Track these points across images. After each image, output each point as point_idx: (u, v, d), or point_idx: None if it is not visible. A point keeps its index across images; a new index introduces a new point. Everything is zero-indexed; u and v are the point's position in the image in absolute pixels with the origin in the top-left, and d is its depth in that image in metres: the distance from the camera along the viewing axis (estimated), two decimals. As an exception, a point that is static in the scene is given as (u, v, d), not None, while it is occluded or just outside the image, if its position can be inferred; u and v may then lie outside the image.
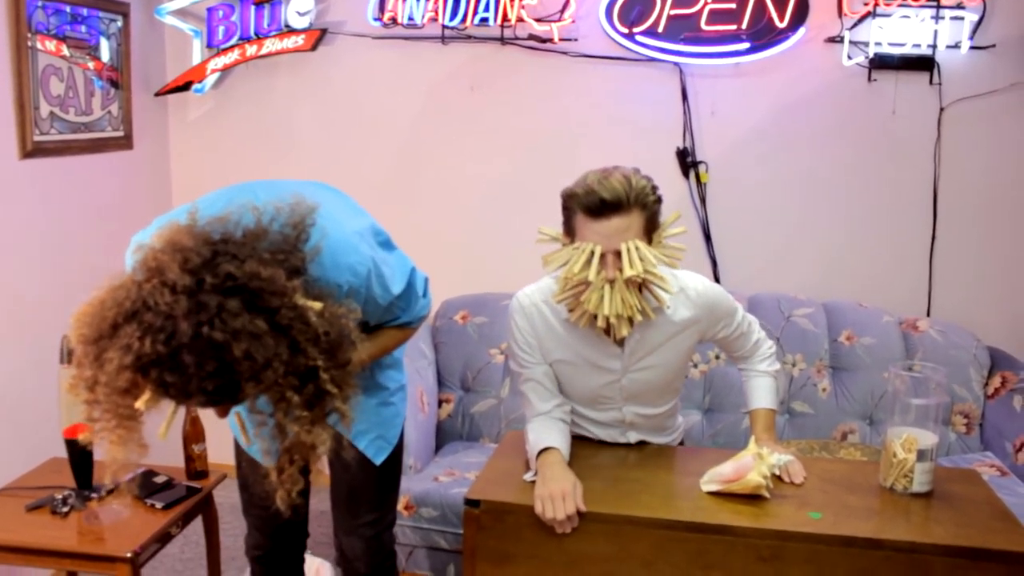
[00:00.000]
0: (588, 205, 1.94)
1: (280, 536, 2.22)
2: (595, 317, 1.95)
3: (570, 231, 2.01)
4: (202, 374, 1.37)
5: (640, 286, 1.96)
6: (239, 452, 2.16)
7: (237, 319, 1.37)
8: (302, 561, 2.31)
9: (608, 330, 2.03)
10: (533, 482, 1.97)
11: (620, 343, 2.09)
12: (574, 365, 2.14)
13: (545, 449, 2.03)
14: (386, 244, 1.90)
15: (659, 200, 2.00)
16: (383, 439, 2.10)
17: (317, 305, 1.46)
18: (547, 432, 2.08)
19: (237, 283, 1.39)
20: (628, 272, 1.90)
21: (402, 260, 1.93)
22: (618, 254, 1.91)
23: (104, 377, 1.40)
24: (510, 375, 3.26)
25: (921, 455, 1.92)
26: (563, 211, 2.05)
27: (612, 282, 1.91)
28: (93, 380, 1.44)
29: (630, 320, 1.95)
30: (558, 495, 1.86)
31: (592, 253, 1.91)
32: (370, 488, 2.13)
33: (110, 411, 1.45)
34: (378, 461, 2.09)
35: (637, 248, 1.92)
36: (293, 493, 1.55)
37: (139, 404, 1.44)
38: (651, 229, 1.99)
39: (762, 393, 2.28)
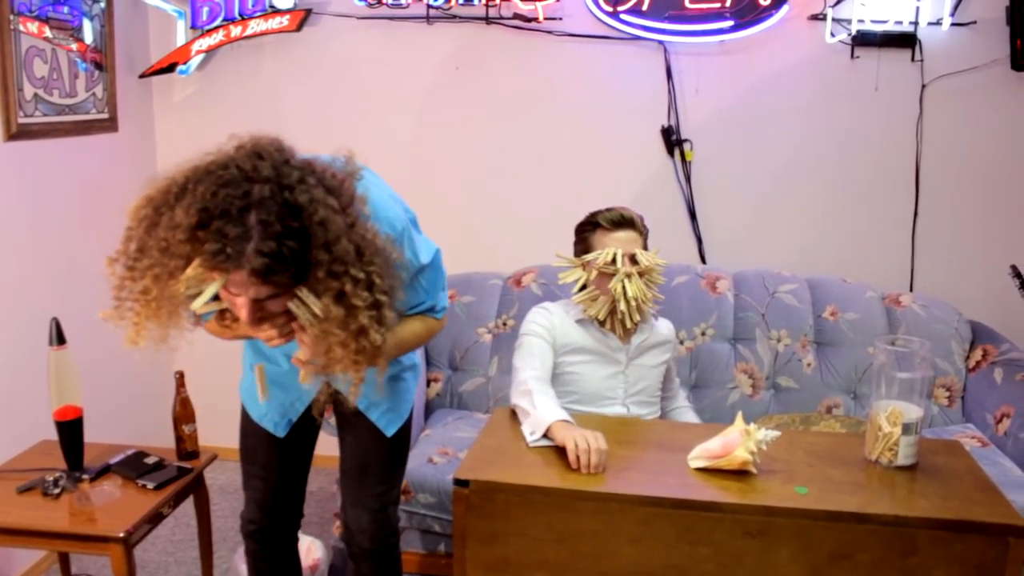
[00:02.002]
0: (612, 219, 2.53)
1: (276, 512, 2.24)
2: (611, 311, 2.49)
3: (586, 250, 2.55)
4: (267, 233, 1.36)
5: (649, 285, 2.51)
6: (246, 423, 2.17)
7: (316, 190, 1.41)
8: (296, 540, 2.33)
9: (613, 327, 2.53)
10: (536, 445, 2.15)
11: (625, 340, 2.57)
12: (585, 352, 2.55)
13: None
14: (414, 221, 1.93)
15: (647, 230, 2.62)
16: (394, 412, 2.12)
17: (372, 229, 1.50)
18: (555, 406, 2.26)
19: (315, 172, 1.45)
20: (645, 263, 2.49)
21: (426, 240, 1.96)
22: (632, 258, 2.48)
23: (163, 232, 1.40)
24: (497, 354, 3.28)
25: (906, 428, 1.95)
26: (580, 234, 2.61)
27: (629, 276, 2.46)
28: (141, 248, 1.44)
29: (639, 310, 2.49)
30: (594, 445, 2.02)
31: (615, 253, 2.47)
32: (380, 460, 2.15)
33: (155, 281, 1.44)
34: (389, 433, 2.11)
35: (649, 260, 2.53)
36: (357, 378, 1.56)
37: (182, 278, 1.42)
38: (644, 249, 2.57)
39: (694, 418, 2.80)
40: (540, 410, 2.21)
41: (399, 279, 1.58)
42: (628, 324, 2.51)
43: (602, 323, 2.55)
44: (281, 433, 2.13)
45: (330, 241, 1.41)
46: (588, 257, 2.52)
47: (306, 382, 1.65)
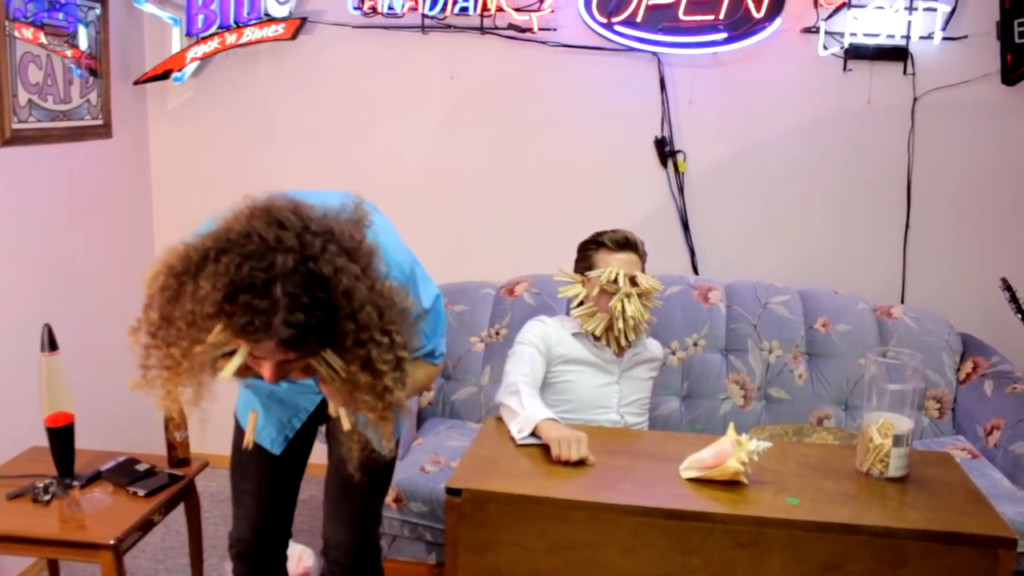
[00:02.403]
0: (616, 240, 2.67)
1: (266, 530, 2.23)
2: (608, 328, 2.61)
3: (588, 267, 2.68)
4: (295, 305, 1.38)
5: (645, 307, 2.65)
6: (239, 439, 2.16)
7: (339, 259, 1.41)
8: (285, 558, 2.31)
9: (608, 342, 2.66)
10: (524, 443, 2.26)
11: (619, 354, 2.69)
12: (580, 363, 2.67)
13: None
14: (416, 261, 1.94)
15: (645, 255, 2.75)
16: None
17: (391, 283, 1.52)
18: (542, 406, 2.36)
19: (335, 237, 1.45)
20: (645, 285, 2.62)
21: (428, 281, 1.96)
22: (633, 279, 2.60)
23: (188, 305, 1.41)
24: (490, 363, 3.28)
25: (897, 440, 1.96)
26: (583, 251, 2.74)
27: (629, 296, 2.58)
28: (166, 316, 1.44)
29: (635, 330, 2.62)
30: (574, 438, 2.15)
31: (618, 273, 2.59)
32: (365, 477, 2.14)
33: (180, 352, 1.44)
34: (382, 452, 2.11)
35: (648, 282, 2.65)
36: (388, 431, 1.58)
37: (207, 344, 1.44)
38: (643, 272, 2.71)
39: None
40: (528, 409, 2.29)
41: (413, 329, 1.60)
42: (623, 342, 2.65)
43: (597, 338, 2.66)
44: (277, 450, 2.13)
45: (355, 310, 1.43)
46: (591, 274, 2.65)
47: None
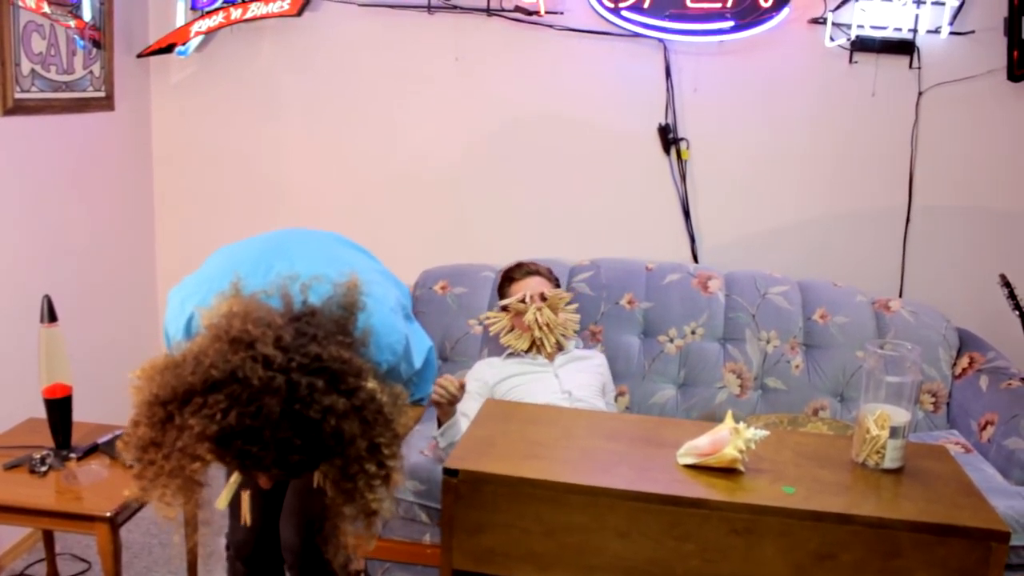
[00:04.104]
0: (518, 271, 3.14)
1: (263, 531, 2.24)
2: (531, 342, 3.01)
3: (504, 296, 3.11)
4: (286, 448, 1.40)
5: (556, 313, 3.04)
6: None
7: (326, 398, 1.42)
8: (282, 560, 2.31)
9: (539, 349, 3.02)
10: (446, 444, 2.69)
11: (550, 359, 3.03)
12: (518, 376, 2.97)
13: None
14: (408, 317, 1.94)
15: (555, 278, 3.19)
16: None
17: (379, 387, 1.53)
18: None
19: (322, 364, 1.45)
20: (551, 295, 3.05)
21: (420, 335, 1.97)
22: (542, 295, 3.04)
23: (178, 441, 1.42)
24: (487, 346, 3.29)
25: (894, 432, 1.96)
26: (499, 290, 3.18)
27: (540, 309, 3.00)
28: (155, 440, 1.46)
29: (554, 339, 3.00)
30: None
31: (525, 295, 3.03)
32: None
33: (171, 472, 1.46)
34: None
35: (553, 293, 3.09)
36: (359, 553, 1.62)
37: (198, 468, 1.47)
38: (556, 286, 3.16)
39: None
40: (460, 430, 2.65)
41: (404, 422, 1.62)
42: (548, 348, 3.00)
43: (527, 351, 3.03)
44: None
45: (344, 446, 1.46)
46: (504, 302, 3.08)
47: None
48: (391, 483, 1.57)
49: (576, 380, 2.98)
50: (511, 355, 3.07)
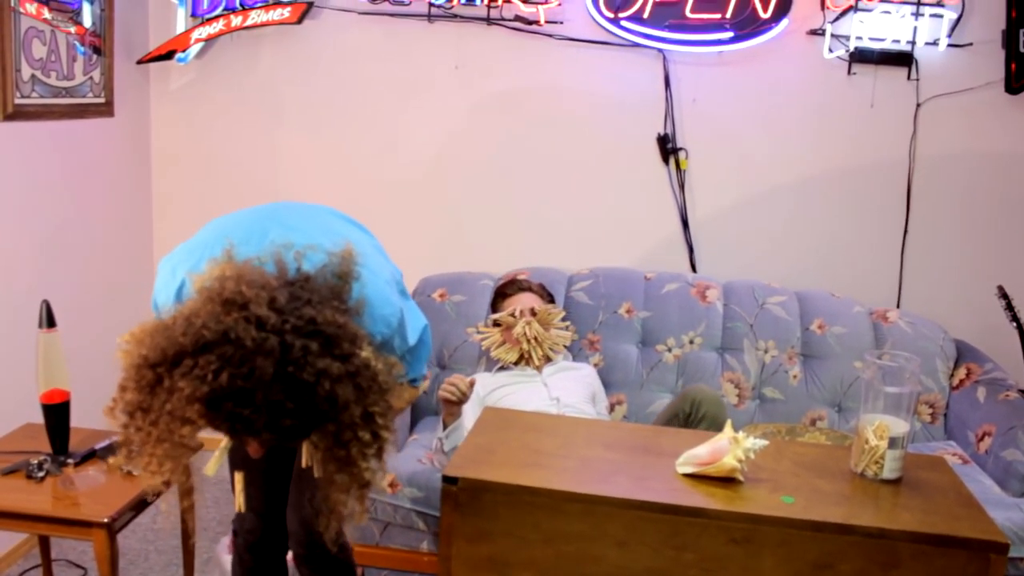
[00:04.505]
0: (509, 287, 3.23)
1: (271, 515, 2.23)
2: (520, 355, 3.05)
3: (497, 311, 3.17)
4: (279, 412, 1.37)
5: (546, 328, 3.10)
6: (236, 463, 2.16)
7: (320, 361, 1.38)
8: (286, 551, 2.32)
9: (528, 361, 3.06)
10: (445, 450, 2.71)
11: (538, 369, 3.07)
12: (507, 386, 3.02)
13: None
14: (404, 294, 1.92)
15: (549, 294, 3.26)
16: None
17: (374, 355, 1.49)
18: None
19: (317, 327, 1.41)
20: (541, 309, 3.10)
21: (415, 312, 1.95)
22: (532, 311, 3.09)
23: (168, 404, 1.38)
24: (486, 355, 3.29)
25: (892, 442, 1.96)
26: (492, 307, 3.26)
27: (529, 323, 3.04)
28: (143, 405, 1.42)
29: (542, 352, 3.05)
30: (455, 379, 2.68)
31: (514, 309, 3.09)
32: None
33: (159, 437, 1.43)
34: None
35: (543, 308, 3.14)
36: (348, 528, 1.59)
37: (188, 433, 1.43)
38: (549, 301, 3.22)
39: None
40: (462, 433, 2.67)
41: (398, 393, 1.60)
42: (536, 361, 3.05)
43: (516, 363, 3.08)
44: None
45: (338, 412, 1.43)
46: (494, 316, 3.14)
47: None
48: (384, 455, 1.54)
49: (564, 387, 3.01)
50: (501, 368, 3.13)
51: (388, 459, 1.58)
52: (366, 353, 1.47)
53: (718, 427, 2.60)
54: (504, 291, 3.24)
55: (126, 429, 1.46)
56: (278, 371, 1.36)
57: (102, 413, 1.50)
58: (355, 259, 1.58)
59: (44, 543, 2.81)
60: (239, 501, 2.09)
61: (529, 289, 3.21)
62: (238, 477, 2.09)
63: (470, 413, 2.80)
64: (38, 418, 2.53)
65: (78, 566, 3.00)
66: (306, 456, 1.59)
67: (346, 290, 1.54)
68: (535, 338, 3.05)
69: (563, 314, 3.21)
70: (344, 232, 1.74)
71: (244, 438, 1.46)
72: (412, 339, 1.88)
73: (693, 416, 2.72)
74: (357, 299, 1.55)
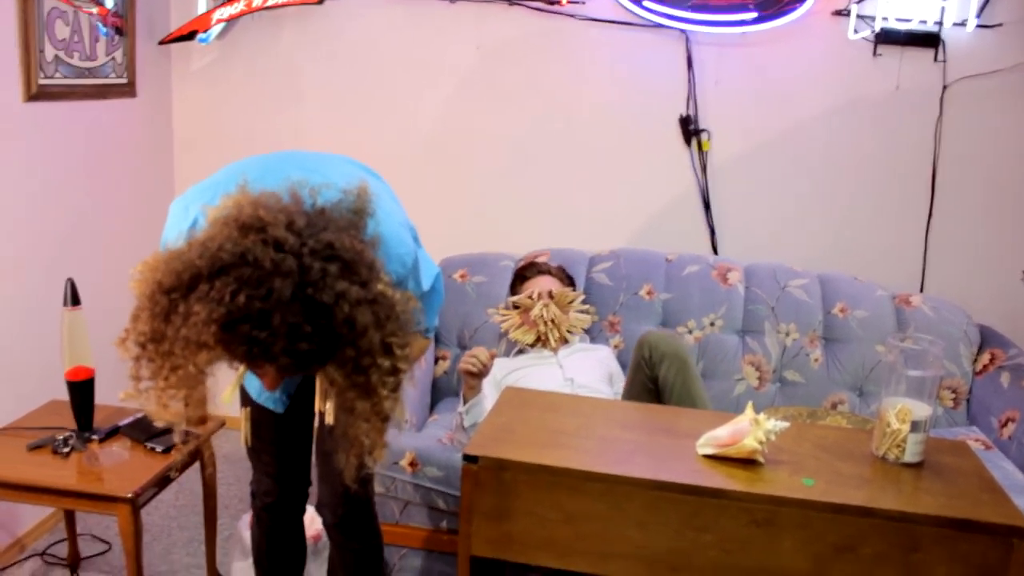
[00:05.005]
0: (528, 270, 3.27)
1: (288, 481, 2.25)
2: (537, 337, 3.10)
3: (516, 294, 3.23)
4: (296, 335, 1.34)
5: (564, 311, 3.13)
6: (245, 401, 2.17)
7: (339, 283, 1.36)
8: (303, 511, 2.34)
9: (545, 343, 3.10)
10: (468, 423, 2.74)
11: (554, 350, 3.11)
12: (523, 368, 3.05)
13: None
14: (417, 241, 1.91)
15: (569, 277, 3.30)
16: None
17: (391, 287, 1.47)
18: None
19: (335, 252, 1.38)
20: (559, 292, 3.13)
21: (428, 260, 1.94)
22: (549, 293, 3.13)
23: (183, 330, 1.35)
24: (505, 336, 3.29)
25: (914, 426, 1.96)
26: (511, 290, 3.30)
27: (547, 305, 3.09)
28: (157, 334, 1.38)
29: (559, 334, 3.09)
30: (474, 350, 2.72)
31: (533, 292, 3.15)
32: None
33: (173, 368, 1.39)
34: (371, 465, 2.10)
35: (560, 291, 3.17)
36: (371, 459, 1.54)
37: (202, 362, 1.38)
38: (569, 284, 3.26)
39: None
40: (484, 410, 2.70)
41: (414, 328, 1.56)
42: (552, 343, 3.09)
43: (532, 346, 3.13)
44: (280, 409, 2.12)
45: (357, 336, 1.40)
46: (513, 299, 3.18)
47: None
48: (400, 390, 1.51)
49: (579, 368, 3.04)
50: (519, 352, 3.18)
51: (405, 398, 1.55)
52: (385, 280, 1.45)
53: (680, 362, 2.68)
54: (523, 274, 3.27)
55: (138, 361, 1.42)
56: (296, 292, 1.33)
57: (116, 347, 1.45)
58: (369, 197, 1.55)
59: (70, 517, 2.84)
60: (245, 433, 2.09)
61: (548, 272, 3.24)
62: (244, 413, 2.08)
63: (489, 395, 2.80)
64: (63, 395, 2.56)
65: (103, 540, 3.04)
66: (328, 410, 1.55)
67: (361, 225, 1.51)
68: (552, 320, 3.09)
69: (582, 297, 3.24)
70: (360, 176, 1.71)
71: (260, 365, 1.41)
72: (426, 284, 1.87)
73: (653, 359, 2.72)
74: (372, 235, 1.52)
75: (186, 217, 1.66)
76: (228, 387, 1.55)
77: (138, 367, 1.43)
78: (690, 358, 2.74)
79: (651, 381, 2.72)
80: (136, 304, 1.41)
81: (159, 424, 1.48)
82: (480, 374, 2.70)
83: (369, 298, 1.40)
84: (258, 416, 2.15)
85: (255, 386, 2.11)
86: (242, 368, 1.46)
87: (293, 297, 1.33)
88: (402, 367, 1.48)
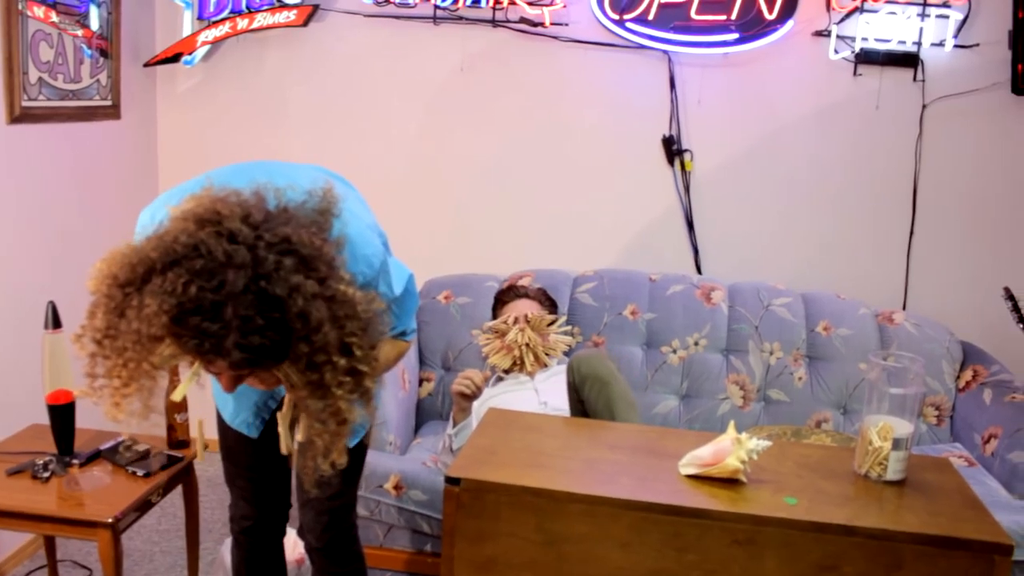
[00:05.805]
0: (508, 293, 3.26)
1: (266, 506, 2.23)
2: (513, 361, 3.07)
3: (496, 318, 3.23)
4: (248, 328, 1.31)
5: (541, 334, 3.11)
6: (222, 425, 2.16)
7: (293, 276, 1.33)
8: (283, 535, 2.32)
9: (521, 367, 3.08)
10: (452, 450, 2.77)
11: (531, 375, 3.09)
12: (504, 394, 3.02)
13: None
14: (386, 247, 1.90)
15: (550, 300, 3.30)
16: (358, 424, 2.10)
17: (352, 286, 1.44)
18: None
19: (292, 246, 1.36)
20: (533, 315, 3.11)
21: (399, 264, 1.93)
22: (526, 317, 3.11)
23: (135, 323, 1.32)
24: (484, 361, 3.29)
25: (896, 443, 1.96)
26: (492, 314, 3.28)
27: (523, 329, 3.07)
28: (110, 329, 1.37)
29: (535, 357, 3.06)
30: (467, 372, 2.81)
31: (509, 316, 3.13)
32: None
33: (126, 364, 1.37)
34: (351, 444, 2.08)
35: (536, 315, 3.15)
36: (326, 463, 1.51)
37: (156, 359, 1.36)
38: (549, 306, 3.26)
39: None
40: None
41: (379, 330, 1.51)
42: (529, 367, 3.06)
43: (508, 371, 3.11)
44: (255, 434, 2.10)
45: (311, 331, 1.36)
46: (490, 324, 3.16)
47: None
48: (363, 390, 1.47)
49: (554, 391, 2.98)
50: (498, 380, 3.15)
51: (375, 406, 1.52)
52: (345, 278, 1.42)
53: (600, 383, 2.63)
54: (502, 298, 3.26)
55: (93, 358, 1.40)
56: (249, 285, 1.30)
57: (72, 342, 1.43)
58: (335, 198, 1.53)
59: (50, 543, 2.82)
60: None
61: (526, 295, 3.23)
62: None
63: (474, 420, 2.80)
64: (44, 419, 2.54)
65: (83, 567, 3.01)
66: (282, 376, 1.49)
67: (325, 225, 1.48)
68: (527, 344, 3.06)
69: (560, 320, 3.19)
70: (326, 179, 1.70)
71: (213, 361, 1.37)
72: (398, 288, 1.85)
73: (576, 382, 2.68)
74: (338, 236, 1.49)
75: (152, 222, 1.63)
76: (180, 385, 1.50)
77: (93, 364, 1.40)
78: (612, 376, 2.66)
79: (580, 403, 2.69)
80: (92, 300, 1.40)
81: (111, 421, 1.45)
82: (473, 396, 2.71)
83: (327, 294, 1.38)
84: (234, 443, 2.13)
85: (229, 410, 2.09)
86: (196, 365, 1.42)
87: (246, 289, 1.30)
88: (363, 369, 1.44)
